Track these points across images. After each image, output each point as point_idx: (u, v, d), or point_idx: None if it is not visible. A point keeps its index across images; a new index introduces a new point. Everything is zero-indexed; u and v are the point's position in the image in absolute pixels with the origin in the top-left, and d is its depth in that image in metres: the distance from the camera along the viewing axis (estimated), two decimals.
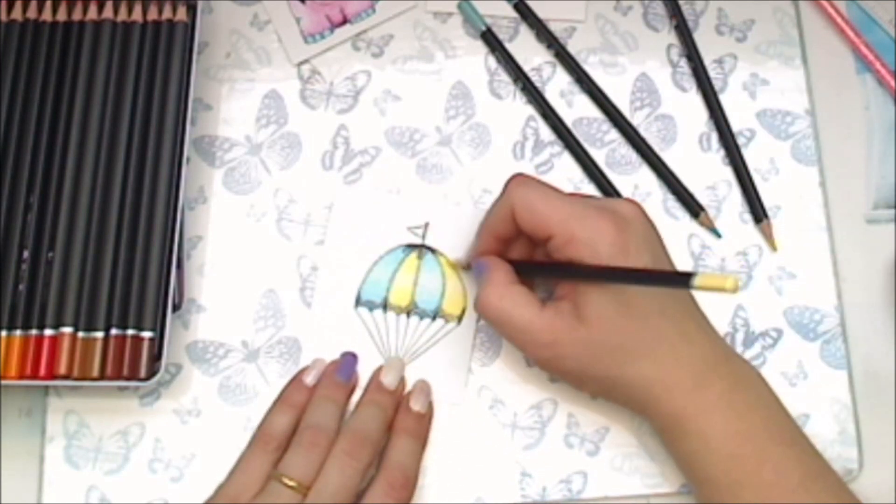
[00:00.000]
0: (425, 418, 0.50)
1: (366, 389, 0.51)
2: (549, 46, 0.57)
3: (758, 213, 0.55)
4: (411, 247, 0.54)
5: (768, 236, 0.54)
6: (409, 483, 0.48)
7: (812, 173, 0.56)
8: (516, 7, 0.57)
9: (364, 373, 0.51)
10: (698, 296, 0.48)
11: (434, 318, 0.53)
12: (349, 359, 0.51)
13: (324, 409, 0.49)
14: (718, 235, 0.54)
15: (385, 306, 0.53)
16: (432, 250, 0.54)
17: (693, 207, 0.55)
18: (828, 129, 0.56)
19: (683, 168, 0.55)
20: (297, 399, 0.50)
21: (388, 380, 0.50)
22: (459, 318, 0.53)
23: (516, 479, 0.51)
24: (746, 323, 0.53)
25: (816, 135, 0.56)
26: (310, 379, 0.50)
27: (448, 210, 0.54)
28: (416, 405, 0.50)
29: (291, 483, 0.46)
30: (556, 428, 0.52)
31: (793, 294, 0.54)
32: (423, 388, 0.51)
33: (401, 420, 0.50)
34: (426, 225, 0.54)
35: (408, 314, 0.53)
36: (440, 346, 0.52)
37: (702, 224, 0.55)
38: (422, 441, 0.50)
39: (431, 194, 0.55)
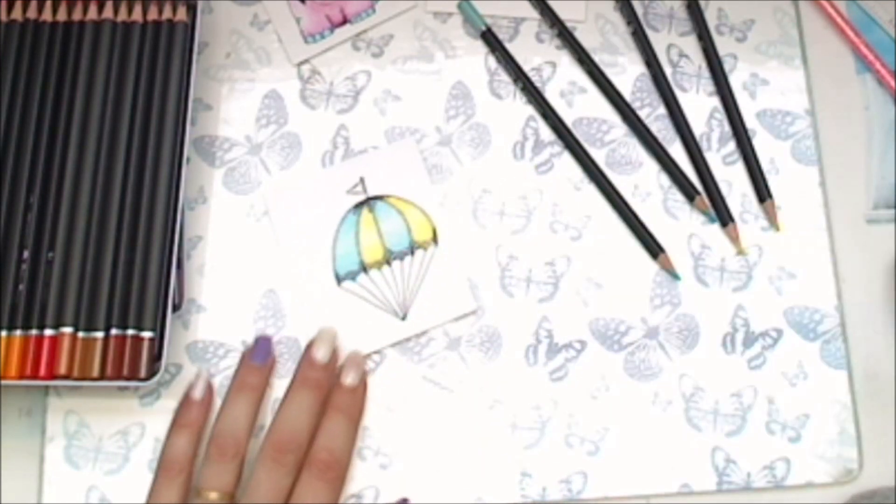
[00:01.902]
0: (358, 393, 0.50)
1: (297, 367, 0.50)
2: (559, 34, 0.57)
3: (762, 192, 0.54)
4: (358, 206, 0.54)
5: (772, 216, 0.54)
6: (338, 463, 0.47)
7: (812, 173, 0.56)
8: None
9: (377, 340, 0.52)
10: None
11: (412, 252, 0.53)
12: (263, 341, 0.51)
13: (230, 412, 0.48)
14: (713, 221, 0.54)
15: (365, 269, 0.53)
16: (379, 197, 0.54)
17: (689, 192, 0.55)
18: (828, 129, 0.56)
19: (683, 167, 0.55)
20: (189, 418, 0.49)
21: (320, 354, 0.50)
22: (435, 240, 0.54)
23: (516, 479, 0.51)
24: (746, 323, 0.53)
25: (816, 135, 0.56)
26: (198, 393, 0.50)
27: (372, 158, 0.55)
28: (348, 380, 0.49)
29: (213, 495, 0.46)
30: (556, 428, 0.52)
31: (793, 294, 0.54)
32: (355, 360, 0.50)
33: (334, 397, 0.49)
34: (361, 180, 0.54)
35: (388, 263, 0.53)
36: (431, 271, 0.53)
37: (696, 208, 0.54)
38: (354, 418, 0.49)
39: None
